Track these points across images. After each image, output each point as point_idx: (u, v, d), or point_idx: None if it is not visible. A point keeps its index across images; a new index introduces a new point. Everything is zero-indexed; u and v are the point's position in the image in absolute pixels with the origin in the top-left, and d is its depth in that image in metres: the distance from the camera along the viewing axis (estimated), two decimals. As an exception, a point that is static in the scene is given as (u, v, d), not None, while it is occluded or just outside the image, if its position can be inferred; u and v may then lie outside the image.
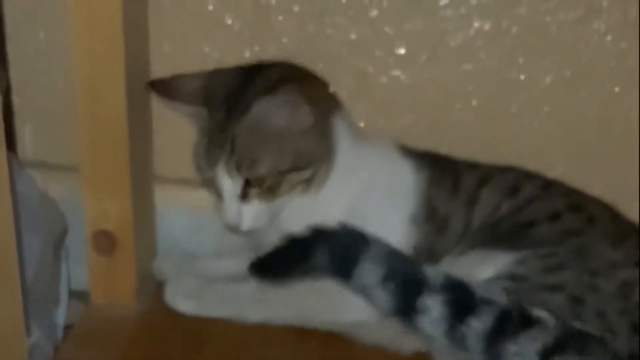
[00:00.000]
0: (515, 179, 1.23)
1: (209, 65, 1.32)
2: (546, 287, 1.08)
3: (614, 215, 1.22)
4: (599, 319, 1.05)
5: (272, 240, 1.21)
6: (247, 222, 1.20)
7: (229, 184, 1.18)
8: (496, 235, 1.17)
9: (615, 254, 1.12)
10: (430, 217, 1.22)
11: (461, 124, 1.36)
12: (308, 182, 1.20)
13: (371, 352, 1.21)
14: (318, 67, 1.29)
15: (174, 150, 1.38)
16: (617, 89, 1.31)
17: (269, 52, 1.34)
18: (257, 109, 1.15)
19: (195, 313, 1.27)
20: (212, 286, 1.29)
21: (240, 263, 1.32)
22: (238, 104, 1.18)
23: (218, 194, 1.21)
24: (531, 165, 1.33)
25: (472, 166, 1.27)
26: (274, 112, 1.16)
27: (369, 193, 1.23)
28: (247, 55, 1.34)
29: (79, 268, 1.34)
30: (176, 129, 1.36)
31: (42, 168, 1.40)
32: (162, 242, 1.40)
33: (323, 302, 1.22)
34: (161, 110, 1.35)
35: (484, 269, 1.11)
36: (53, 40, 1.37)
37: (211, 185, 1.21)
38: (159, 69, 1.34)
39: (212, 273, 1.34)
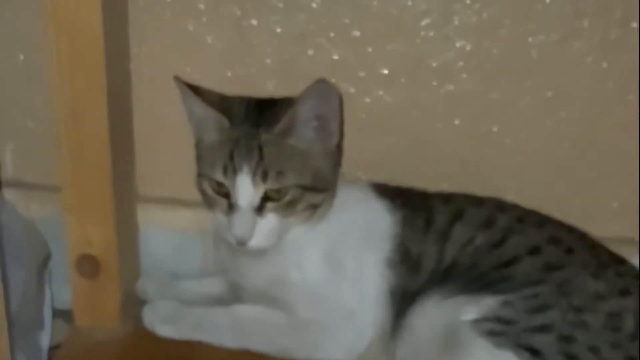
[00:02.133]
0: (489, 212, 1.23)
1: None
2: (534, 329, 1.08)
3: (591, 245, 1.22)
4: (593, 355, 1.05)
5: (255, 280, 1.24)
6: (259, 237, 1.17)
7: (250, 193, 1.16)
8: (479, 277, 1.17)
9: (598, 285, 1.12)
10: (404, 259, 1.22)
11: (443, 144, 1.36)
12: (314, 210, 1.19)
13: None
14: (300, 88, 1.30)
15: (156, 170, 1.39)
16: (597, 110, 1.33)
17: (251, 72, 1.34)
18: (305, 99, 1.14)
19: (173, 337, 1.27)
20: (190, 310, 1.28)
21: (223, 282, 1.35)
22: (264, 116, 1.17)
23: (230, 206, 1.17)
24: (512, 184, 1.35)
25: (446, 200, 1.26)
26: (311, 110, 1.15)
27: (346, 236, 1.24)
28: (229, 75, 1.34)
29: (62, 287, 1.35)
30: (158, 149, 1.38)
31: (24, 188, 1.41)
32: (145, 262, 1.40)
33: (301, 339, 1.22)
34: (142, 131, 1.37)
35: (469, 310, 1.12)
36: (32, 62, 1.36)
37: (216, 199, 1.18)
38: (141, 90, 1.34)
39: (195, 293, 1.35)
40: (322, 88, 1.15)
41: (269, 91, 1.32)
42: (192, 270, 1.40)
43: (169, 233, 1.40)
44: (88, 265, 1.28)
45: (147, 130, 1.37)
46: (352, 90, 1.35)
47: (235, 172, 1.16)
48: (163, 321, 1.28)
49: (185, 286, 1.36)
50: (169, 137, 1.37)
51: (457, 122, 1.35)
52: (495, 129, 1.35)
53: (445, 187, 1.34)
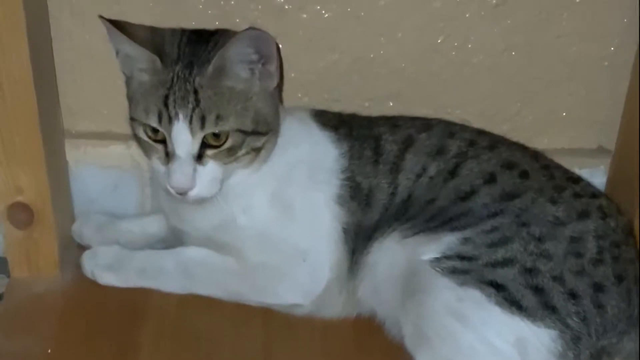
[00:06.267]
0: (440, 138, 1.18)
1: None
2: (496, 263, 1.05)
3: (545, 165, 1.17)
4: (557, 284, 1.03)
5: (199, 226, 1.17)
6: (200, 187, 1.10)
7: (188, 142, 1.08)
8: (438, 213, 1.13)
9: (556, 210, 1.10)
10: (355, 194, 1.17)
11: (386, 59, 1.29)
12: (257, 153, 1.13)
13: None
14: (233, 7, 1.21)
15: (82, 103, 1.30)
16: (543, 17, 1.27)
17: None
18: (234, 43, 1.05)
19: (116, 285, 1.21)
20: (133, 255, 1.23)
21: (162, 220, 1.28)
22: (198, 53, 1.09)
23: (167, 154, 1.10)
24: (459, 99, 1.31)
25: (392, 127, 1.20)
26: (243, 53, 1.07)
27: (292, 175, 1.18)
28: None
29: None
30: (82, 80, 1.29)
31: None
32: (78, 204, 1.32)
33: (254, 283, 1.18)
34: (64, 62, 1.27)
35: (429, 250, 1.08)
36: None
37: (152, 145, 1.10)
38: (61, 18, 1.24)
39: (135, 234, 1.29)
40: (252, 35, 1.06)
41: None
42: (129, 208, 1.33)
43: (102, 170, 1.31)
44: (20, 215, 1.20)
45: (69, 60, 1.27)
46: (287, 7, 1.26)
47: (170, 120, 1.08)
48: (104, 269, 1.22)
49: (124, 227, 1.29)
50: (93, 66, 1.27)
51: (399, 35, 1.29)
52: (439, 40, 1.29)
53: (391, 105, 1.30)
